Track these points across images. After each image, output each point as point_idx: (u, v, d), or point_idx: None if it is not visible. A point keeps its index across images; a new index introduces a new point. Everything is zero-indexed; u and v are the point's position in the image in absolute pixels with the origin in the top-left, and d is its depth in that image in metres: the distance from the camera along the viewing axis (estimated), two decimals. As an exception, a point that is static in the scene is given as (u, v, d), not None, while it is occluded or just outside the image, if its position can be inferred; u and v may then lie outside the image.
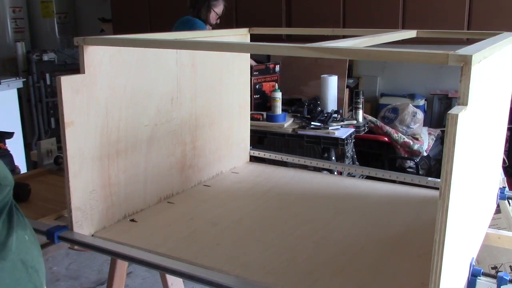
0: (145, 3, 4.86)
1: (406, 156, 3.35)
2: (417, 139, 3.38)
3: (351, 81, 4.09)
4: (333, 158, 2.98)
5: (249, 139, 2.00)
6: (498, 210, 2.06)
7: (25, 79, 4.79)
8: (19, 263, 0.73)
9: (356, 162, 3.15)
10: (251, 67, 3.31)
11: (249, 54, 1.95)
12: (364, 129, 3.11)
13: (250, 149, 1.99)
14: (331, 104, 3.20)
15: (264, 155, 1.99)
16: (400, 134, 3.32)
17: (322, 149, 3.02)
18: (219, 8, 3.49)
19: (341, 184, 1.71)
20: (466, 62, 0.77)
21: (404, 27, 3.74)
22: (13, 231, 0.74)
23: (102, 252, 1.25)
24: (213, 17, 3.47)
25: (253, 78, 3.31)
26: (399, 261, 1.18)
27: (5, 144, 2.67)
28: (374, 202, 1.55)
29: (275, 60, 3.63)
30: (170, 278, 1.66)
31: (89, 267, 2.91)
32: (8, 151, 2.61)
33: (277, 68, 3.49)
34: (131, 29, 4.40)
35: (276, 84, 3.45)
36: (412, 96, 4.13)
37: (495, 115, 1.17)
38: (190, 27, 3.34)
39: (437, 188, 1.29)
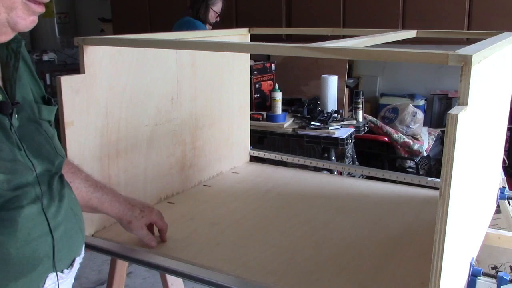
0: (145, 3, 4.86)
1: (406, 156, 3.35)
2: (417, 139, 3.38)
3: (351, 81, 4.09)
4: (333, 158, 2.98)
5: (249, 139, 2.00)
6: (498, 210, 2.05)
7: (25, 79, 4.77)
8: (69, 209, 0.95)
9: (356, 162, 3.15)
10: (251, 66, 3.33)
11: (249, 54, 1.95)
12: (364, 129, 3.11)
13: (250, 149, 1.99)
14: (331, 104, 3.20)
15: (264, 155, 1.99)
16: (400, 134, 3.32)
17: (322, 149, 3.02)
18: (217, 7, 3.49)
19: (341, 184, 1.71)
20: (466, 62, 0.77)
21: (404, 27, 3.74)
22: (65, 188, 0.97)
23: (102, 252, 1.25)
24: (212, 16, 3.48)
25: (252, 77, 3.31)
26: (399, 261, 1.18)
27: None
28: (374, 202, 1.55)
29: (273, 59, 3.63)
30: (170, 278, 1.66)
31: (89, 267, 2.91)
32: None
33: (273, 67, 3.50)
34: (131, 29, 4.41)
35: (273, 82, 3.46)
36: (412, 96, 4.13)
37: (495, 115, 1.17)
38: (190, 28, 3.34)
39: (437, 188, 1.29)
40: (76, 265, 0.97)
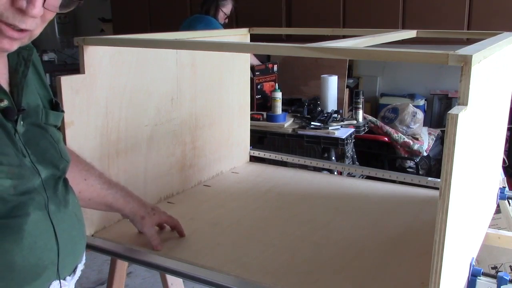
0: (145, 3, 4.86)
1: (406, 156, 3.35)
2: (417, 139, 3.38)
3: (351, 81, 4.09)
4: (333, 158, 2.98)
5: (249, 139, 2.00)
6: (498, 210, 2.05)
7: (25, 79, 4.77)
8: (73, 215, 0.95)
9: (356, 162, 3.15)
10: (253, 66, 3.32)
11: (249, 54, 1.95)
12: (364, 129, 3.11)
13: (250, 149, 1.99)
14: (331, 104, 3.20)
15: (264, 155, 1.99)
16: (400, 134, 3.32)
17: (322, 149, 3.02)
18: (227, 8, 3.50)
19: (341, 184, 1.71)
20: (466, 62, 0.77)
21: (404, 27, 3.74)
22: (69, 193, 0.96)
23: (102, 252, 1.25)
24: (221, 17, 3.48)
25: (255, 78, 3.31)
26: (399, 261, 1.18)
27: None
28: (374, 202, 1.55)
29: (276, 60, 3.63)
30: (170, 278, 1.66)
31: (89, 267, 2.90)
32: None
33: (275, 68, 3.50)
34: (131, 29, 4.40)
35: (274, 83, 3.46)
36: (412, 96, 4.13)
37: (495, 115, 1.17)
38: (206, 24, 3.34)
39: (437, 188, 1.29)
40: (78, 272, 0.96)
